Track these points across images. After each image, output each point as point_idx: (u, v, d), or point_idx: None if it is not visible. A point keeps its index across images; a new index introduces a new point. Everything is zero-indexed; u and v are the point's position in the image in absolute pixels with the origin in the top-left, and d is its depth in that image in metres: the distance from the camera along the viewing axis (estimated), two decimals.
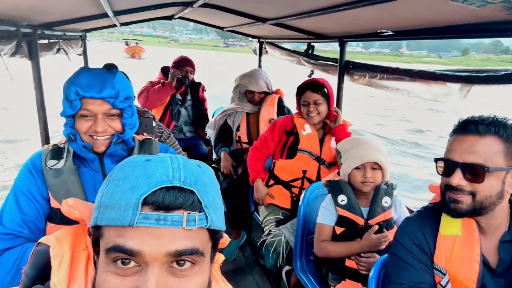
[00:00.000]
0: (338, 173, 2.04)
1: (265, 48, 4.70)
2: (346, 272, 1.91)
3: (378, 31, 2.69)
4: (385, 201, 1.89)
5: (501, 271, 1.29)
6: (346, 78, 3.09)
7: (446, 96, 2.24)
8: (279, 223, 2.53)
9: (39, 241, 0.84)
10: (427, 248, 1.34)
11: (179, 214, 0.64)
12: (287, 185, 2.67)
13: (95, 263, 0.76)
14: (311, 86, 2.60)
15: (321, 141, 2.66)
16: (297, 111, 2.76)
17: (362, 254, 1.84)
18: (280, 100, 3.57)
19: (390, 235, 1.88)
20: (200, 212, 0.66)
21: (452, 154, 1.25)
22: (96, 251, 0.72)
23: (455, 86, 2.14)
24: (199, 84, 4.23)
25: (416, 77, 2.36)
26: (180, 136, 4.16)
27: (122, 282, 0.63)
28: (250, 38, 5.17)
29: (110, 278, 0.64)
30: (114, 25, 4.19)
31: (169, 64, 4.06)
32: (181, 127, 4.20)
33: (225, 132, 3.62)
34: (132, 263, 0.64)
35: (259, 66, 4.95)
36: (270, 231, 2.51)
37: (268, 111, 3.45)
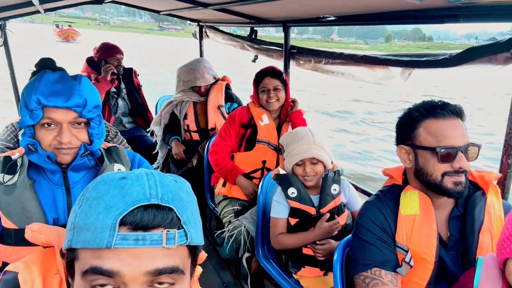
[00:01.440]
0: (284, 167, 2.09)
1: (205, 32, 4.57)
2: (304, 259, 1.98)
3: (322, 16, 2.74)
4: (334, 188, 1.96)
5: (452, 245, 1.41)
6: (292, 63, 3.12)
7: (388, 79, 2.36)
8: (238, 213, 2.54)
9: (5, 269, 0.80)
10: (388, 228, 1.42)
11: (158, 232, 0.62)
12: (247, 176, 2.66)
13: (69, 286, 0.74)
14: (270, 72, 2.59)
15: (279, 131, 2.68)
16: (251, 100, 2.73)
17: (317, 242, 1.91)
18: (227, 87, 3.52)
19: (341, 219, 1.98)
20: (179, 229, 0.65)
21: (453, 140, 1.30)
22: (71, 273, 0.69)
23: (397, 70, 2.27)
24: (131, 69, 4.02)
25: (361, 62, 2.45)
26: (121, 129, 3.96)
27: None
28: (188, 22, 4.99)
29: None
30: (37, 12, 3.79)
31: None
32: (120, 119, 4.00)
33: (172, 121, 3.51)
34: (110, 287, 0.62)
35: (200, 51, 4.82)
36: (230, 222, 2.51)
37: (216, 98, 3.39)
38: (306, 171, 1.93)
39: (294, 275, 2.04)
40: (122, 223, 0.62)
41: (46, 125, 1.27)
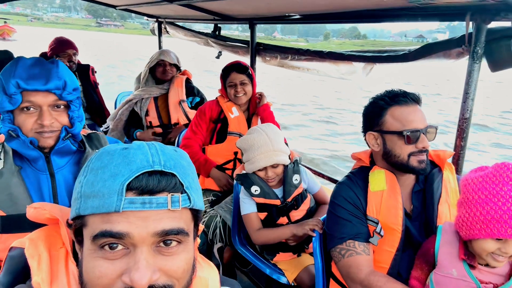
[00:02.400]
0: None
1: (165, 29, 4.53)
2: (277, 247, 2.09)
3: (287, 14, 2.88)
4: (295, 178, 2.04)
5: (415, 216, 1.60)
6: (258, 59, 3.22)
7: (351, 74, 2.55)
8: (212, 203, 2.59)
9: (11, 246, 0.80)
10: (359, 204, 1.57)
11: (163, 196, 0.66)
12: (220, 168, 2.71)
13: (75, 258, 0.76)
14: (236, 67, 2.66)
15: (249, 123, 2.76)
16: (219, 94, 2.79)
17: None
18: (188, 81, 3.54)
19: (305, 205, 2.10)
20: (182, 193, 0.69)
21: (415, 124, 1.48)
22: (79, 241, 0.72)
23: (360, 65, 2.46)
24: (87, 66, 3.91)
25: (326, 58, 2.61)
26: None
27: (112, 266, 0.65)
28: (145, 18, 4.91)
29: (99, 263, 0.65)
30: None
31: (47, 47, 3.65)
32: None
33: (134, 119, 3.47)
34: (120, 247, 0.65)
35: (159, 47, 4.76)
36: (205, 212, 2.55)
37: (177, 93, 3.40)
38: (268, 175, 2.01)
39: (271, 260, 2.14)
40: (129, 188, 0.65)
41: (25, 109, 1.25)
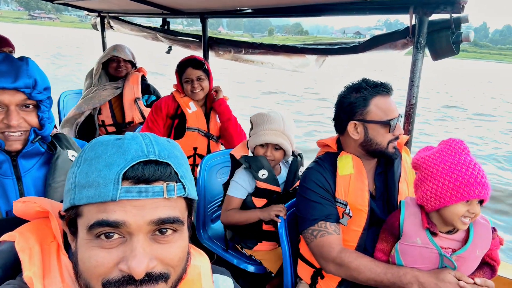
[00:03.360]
0: (247, 147, 2.15)
1: (108, 23, 4.34)
2: (263, 234, 2.09)
3: (239, 8, 2.89)
4: (300, 170, 2.11)
5: (379, 196, 1.71)
6: (211, 54, 3.21)
7: (304, 67, 2.64)
8: None
9: (0, 239, 0.77)
10: (329, 187, 1.65)
11: (159, 185, 0.67)
12: None
13: (67, 250, 0.75)
14: (192, 63, 2.62)
15: (207, 117, 2.74)
16: (175, 89, 2.74)
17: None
18: (143, 79, 3.43)
19: None
20: (177, 182, 0.70)
21: (395, 113, 1.58)
22: (72, 232, 0.71)
23: (312, 58, 2.55)
24: None
25: (280, 51, 2.67)
26: None
27: (108, 255, 0.65)
28: (86, 13, 4.65)
29: (95, 252, 0.65)
30: None
31: None
32: None
33: (84, 119, 3.31)
34: (116, 236, 0.66)
35: (103, 43, 4.55)
36: None
37: (132, 90, 3.28)
38: (267, 154, 2.02)
39: (246, 250, 2.15)
40: (124, 177, 0.65)
41: None
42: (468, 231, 1.40)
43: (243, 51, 2.91)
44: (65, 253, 0.75)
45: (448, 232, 1.41)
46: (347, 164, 1.65)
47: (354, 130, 1.63)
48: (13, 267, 0.75)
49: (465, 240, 1.39)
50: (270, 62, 2.81)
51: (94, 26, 4.65)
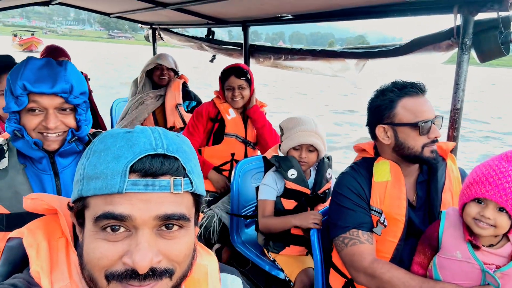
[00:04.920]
0: (279, 149, 2.15)
1: (159, 35, 4.57)
2: (291, 238, 2.06)
3: (279, 15, 2.91)
4: (328, 172, 2.08)
5: (419, 206, 1.61)
6: (252, 61, 3.25)
7: (344, 71, 2.58)
8: (209, 203, 2.59)
9: (9, 236, 0.79)
10: (363, 194, 1.57)
11: (166, 179, 0.66)
12: (217, 169, 2.73)
13: (75, 247, 0.76)
14: (235, 71, 2.67)
15: (245, 124, 2.77)
16: (215, 96, 2.81)
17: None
18: (185, 85, 3.56)
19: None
20: (184, 177, 0.69)
21: (427, 114, 1.48)
22: (80, 223, 0.72)
23: (352, 62, 2.49)
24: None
25: (319, 56, 2.64)
26: None
27: (113, 247, 0.65)
28: (140, 25, 4.95)
29: (100, 244, 0.65)
30: None
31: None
32: None
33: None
34: (122, 229, 0.65)
35: (154, 53, 4.78)
36: (202, 211, 2.55)
37: (174, 97, 3.41)
38: (302, 156, 2.01)
39: (272, 254, 2.13)
40: (132, 170, 0.65)
41: (31, 111, 1.25)
42: None
43: (283, 57, 2.92)
44: (74, 250, 0.75)
45: (490, 246, 1.28)
46: (384, 170, 1.56)
47: (384, 134, 1.56)
48: (22, 262, 0.77)
49: (511, 257, 1.26)
50: (309, 68, 2.78)
51: (147, 38, 4.92)
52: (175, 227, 0.68)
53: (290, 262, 2.06)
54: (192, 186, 0.70)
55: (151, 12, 3.66)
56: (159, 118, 3.47)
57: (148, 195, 0.65)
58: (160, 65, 3.40)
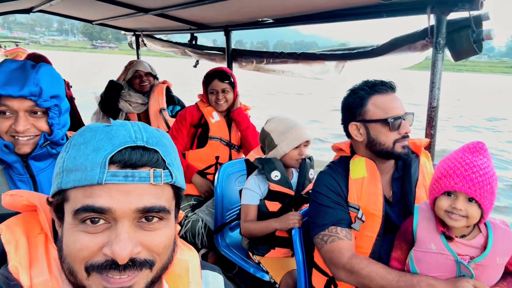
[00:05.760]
0: (263, 151, 2.18)
1: (142, 41, 4.56)
2: (276, 241, 2.07)
3: (260, 19, 2.94)
4: (310, 173, 2.12)
5: (395, 202, 1.63)
6: (234, 65, 3.27)
7: (324, 73, 2.61)
8: (194, 207, 2.58)
9: None
10: (341, 192, 1.60)
11: (146, 171, 0.67)
12: (201, 173, 2.72)
13: (55, 242, 0.75)
14: (219, 75, 2.68)
15: (229, 127, 2.78)
16: (199, 99, 2.81)
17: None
18: (168, 90, 3.55)
19: None
20: (164, 169, 0.69)
21: (397, 111, 1.52)
22: (59, 217, 0.72)
23: (332, 64, 2.52)
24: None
25: (299, 59, 2.67)
26: None
27: (93, 239, 0.65)
28: (123, 32, 4.93)
29: (80, 237, 0.65)
30: None
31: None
32: None
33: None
34: (101, 221, 0.66)
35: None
36: (186, 216, 2.54)
37: (157, 101, 3.40)
38: (302, 152, 2.06)
39: (256, 257, 2.13)
40: (111, 162, 0.65)
41: (2, 113, 1.24)
42: (487, 237, 1.29)
43: (265, 61, 2.94)
44: (54, 245, 0.75)
45: (463, 237, 1.31)
46: (359, 167, 1.59)
47: (357, 132, 1.59)
48: (1, 258, 0.76)
49: (484, 247, 1.28)
50: (290, 71, 2.81)
51: (130, 45, 4.91)
52: (155, 219, 0.69)
53: (275, 264, 2.06)
54: (172, 178, 0.70)
55: (134, 18, 3.66)
56: (143, 122, 3.45)
57: (128, 186, 0.66)
58: (137, 70, 3.38)
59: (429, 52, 2.00)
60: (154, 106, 3.37)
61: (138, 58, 4.77)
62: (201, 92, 2.82)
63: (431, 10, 1.79)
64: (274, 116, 2.15)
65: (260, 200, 2.05)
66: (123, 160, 0.66)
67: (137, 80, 3.40)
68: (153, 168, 0.68)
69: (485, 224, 1.32)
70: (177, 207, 0.77)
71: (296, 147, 2.06)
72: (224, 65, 3.35)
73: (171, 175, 0.70)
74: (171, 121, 3.37)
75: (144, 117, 3.43)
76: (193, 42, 3.77)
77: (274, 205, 2.04)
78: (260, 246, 2.09)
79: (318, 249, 1.60)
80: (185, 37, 4.07)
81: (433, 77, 1.87)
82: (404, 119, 1.53)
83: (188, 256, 0.89)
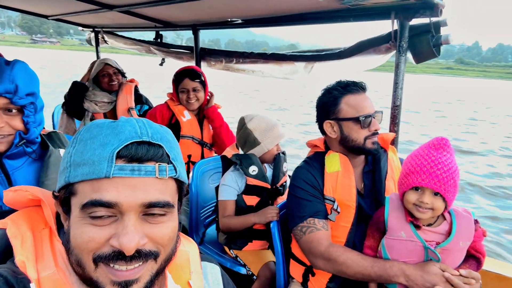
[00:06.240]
0: (237, 147, 2.25)
1: (102, 38, 4.42)
2: (253, 234, 2.13)
3: (229, 19, 2.98)
4: (284, 166, 2.22)
5: (366, 194, 1.76)
6: (203, 64, 3.28)
7: (294, 74, 2.71)
8: None
9: None
10: (317, 185, 1.70)
11: (151, 165, 0.70)
12: None
13: (59, 235, 0.77)
14: (189, 74, 2.68)
15: (201, 125, 2.79)
16: (169, 98, 2.79)
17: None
18: (136, 89, 3.48)
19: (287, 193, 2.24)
20: (168, 164, 0.72)
21: (368, 109, 1.64)
22: (65, 211, 0.73)
23: (301, 65, 2.62)
24: None
25: (270, 59, 2.75)
26: None
27: (100, 231, 0.68)
28: (80, 28, 4.74)
29: (88, 229, 0.68)
30: None
31: None
32: None
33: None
34: (108, 214, 0.68)
35: (97, 57, 4.62)
36: None
37: (126, 100, 3.32)
38: (279, 148, 2.21)
39: (233, 251, 2.18)
40: (118, 156, 0.67)
41: None
42: (451, 224, 1.44)
43: (234, 61, 2.99)
44: (59, 239, 0.76)
45: (429, 225, 1.45)
46: (334, 162, 1.70)
47: (331, 129, 1.71)
48: (4, 254, 0.76)
49: (449, 233, 1.42)
50: (260, 71, 2.88)
51: (89, 41, 4.73)
52: (160, 213, 0.72)
53: (252, 257, 2.13)
54: (176, 172, 0.73)
55: (94, 14, 3.54)
56: None
57: (134, 180, 0.68)
58: (109, 65, 3.28)
59: (391, 54, 2.16)
60: (122, 105, 3.29)
61: (97, 55, 4.62)
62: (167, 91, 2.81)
63: (395, 15, 1.94)
64: (252, 114, 2.21)
65: (238, 195, 2.11)
66: (129, 155, 0.68)
67: (105, 79, 3.29)
68: (158, 163, 0.70)
69: (449, 212, 1.46)
70: (180, 200, 0.80)
71: (276, 144, 2.17)
72: (192, 63, 3.35)
73: (175, 169, 0.73)
74: None
75: (111, 116, 3.33)
76: (159, 40, 3.72)
77: (252, 199, 2.10)
78: (238, 240, 2.15)
79: (296, 240, 1.69)
80: (144, 35, 4.00)
81: (397, 78, 2.02)
82: (374, 117, 1.65)
83: (188, 248, 0.93)
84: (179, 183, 0.77)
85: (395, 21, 1.95)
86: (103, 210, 0.67)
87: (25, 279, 0.69)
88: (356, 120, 1.63)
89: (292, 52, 2.63)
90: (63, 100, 3.39)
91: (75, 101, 3.23)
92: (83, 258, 0.69)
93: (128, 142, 0.68)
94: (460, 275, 1.38)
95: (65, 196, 0.72)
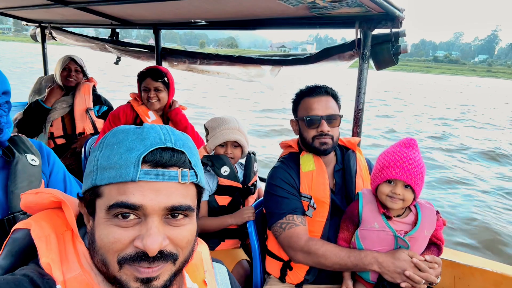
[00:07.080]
0: (205, 148, 2.24)
1: (50, 34, 4.16)
2: (226, 233, 2.16)
3: (193, 20, 2.98)
4: (255, 166, 2.28)
5: (337, 190, 1.88)
6: (165, 64, 3.24)
7: (260, 77, 2.79)
8: None
9: (14, 227, 0.78)
10: (294, 183, 1.80)
11: (174, 170, 0.73)
12: None
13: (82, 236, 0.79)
14: (152, 73, 2.64)
15: None
16: (132, 98, 2.73)
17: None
18: (94, 89, 3.35)
19: (258, 191, 2.32)
20: (190, 169, 0.76)
21: (316, 111, 1.75)
22: (90, 212, 0.76)
23: (268, 68, 2.71)
24: None
25: (236, 62, 2.79)
26: None
27: (125, 232, 0.71)
28: (24, 23, 4.41)
29: (113, 230, 0.71)
30: None
31: None
32: None
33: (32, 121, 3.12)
34: (132, 216, 0.71)
35: (43, 54, 4.35)
36: None
37: (84, 101, 3.18)
38: (228, 152, 2.15)
39: (212, 249, 2.18)
40: (144, 161, 0.71)
41: None
42: (416, 215, 1.60)
43: (199, 62, 2.99)
44: (81, 240, 0.77)
45: (398, 216, 1.60)
46: (309, 162, 1.81)
47: (295, 127, 1.89)
48: (26, 254, 0.76)
49: (415, 223, 1.59)
50: (226, 72, 2.92)
51: (34, 37, 4.42)
52: (181, 216, 0.75)
53: (225, 256, 2.15)
54: (197, 178, 0.78)
55: (44, 9, 3.33)
56: (67, 123, 3.19)
57: (158, 184, 0.71)
58: (71, 61, 3.15)
59: (354, 61, 2.32)
60: (80, 105, 3.14)
61: (44, 52, 4.35)
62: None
63: (359, 25, 2.09)
64: (219, 115, 2.25)
65: (210, 196, 2.13)
66: (154, 160, 0.72)
67: (64, 73, 3.15)
68: (180, 168, 0.74)
69: (414, 205, 1.63)
70: (198, 205, 0.84)
71: (222, 146, 2.16)
72: (151, 63, 3.30)
73: (196, 175, 0.77)
74: (98, 122, 3.19)
75: (68, 118, 3.17)
76: (114, 38, 3.60)
77: (224, 199, 2.13)
78: (211, 239, 2.16)
79: (276, 236, 1.76)
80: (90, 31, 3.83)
81: (360, 83, 2.18)
82: (325, 119, 1.76)
83: (200, 248, 0.98)
84: (199, 188, 0.81)
85: (359, 30, 2.10)
86: (128, 212, 0.70)
87: (51, 281, 0.70)
88: (303, 120, 1.79)
89: (259, 56, 2.70)
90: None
91: (33, 124, 3.08)
92: (108, 258, 0.71)
93: (153, 148, 0.72)
94: (426, 260, 1.55)
95: (90, 198, 0.74)
